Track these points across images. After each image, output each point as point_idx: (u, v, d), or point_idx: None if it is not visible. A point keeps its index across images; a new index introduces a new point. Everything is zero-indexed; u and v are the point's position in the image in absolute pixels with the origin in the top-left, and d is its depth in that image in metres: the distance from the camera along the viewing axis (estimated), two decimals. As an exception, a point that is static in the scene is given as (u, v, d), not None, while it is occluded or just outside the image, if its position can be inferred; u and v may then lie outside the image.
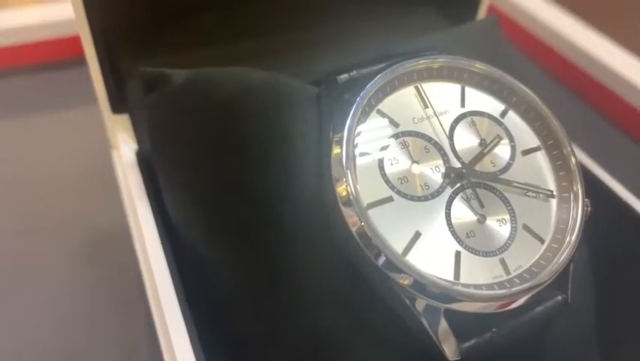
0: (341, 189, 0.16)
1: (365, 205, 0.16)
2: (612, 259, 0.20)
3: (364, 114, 0.17)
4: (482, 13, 0.29)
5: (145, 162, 0.23)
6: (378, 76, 0.17)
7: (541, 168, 0.18)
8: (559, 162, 0.18)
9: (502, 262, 0.16)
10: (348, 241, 0.16)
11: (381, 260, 0.16)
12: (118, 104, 0.23)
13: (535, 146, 0.18)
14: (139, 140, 0.23)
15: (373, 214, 0.16)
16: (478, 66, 0.18)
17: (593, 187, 0.22)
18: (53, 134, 0.32)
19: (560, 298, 0.17)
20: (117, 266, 0.27)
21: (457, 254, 0.16)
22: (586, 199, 0.18)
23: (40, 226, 0.28)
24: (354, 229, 0.16)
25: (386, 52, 0.19)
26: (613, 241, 0.21)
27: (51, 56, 0.37)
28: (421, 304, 0.16)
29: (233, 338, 0.19)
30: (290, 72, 0.20)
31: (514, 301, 0.16)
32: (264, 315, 0.18)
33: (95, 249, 0.28)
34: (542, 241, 0.17)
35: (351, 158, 0.16)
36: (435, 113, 0.18)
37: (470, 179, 0.17)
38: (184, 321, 0.17)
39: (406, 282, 0.15)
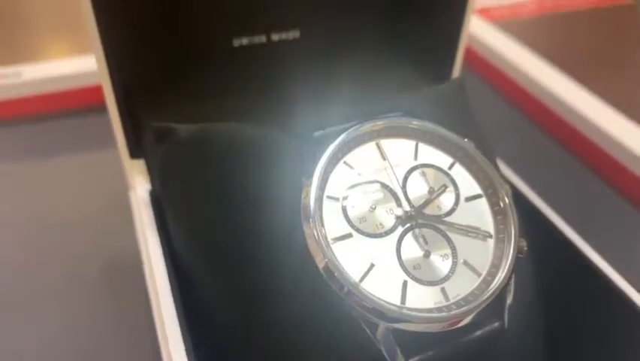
0: (308, 229, 0.19)
1: (330, 240, 0.19)
2: (554, 292, 0.23)
3: (332, 165, 0.21)
4: (457, 71, 0.33)
5: (156, 201, 0.27)
6: (345, 133, 0.21)
7: (483, 213, 0.21)
8: (497, 207, 0.21)
9: (443, 290, 0.20)
10: (316, 273, 0.20)
11: (341, 290, 0.19)
12: (135, 151, 0.28)
13: (477, 193, 0.22)
14: (152, 181, 0.27)
15: (336, 247, 0.19)
16: (430, 126, 0.22)
17: (545, 228, 0.26)
18: (78, 175, 0.37)
19: (497, 324, 0.20)
20: (131, 293, 0.30)
21: (405, 283, 0.19)
22: (522, 239, 0.21)
23: (63, 257, 0.32)
24: (320, 265, 0.19)
25: (357, 111, 0.23)
26: (557, 276, 0.24)
27: (78, 104, 0.42)
28: (373, 325, 0.19)
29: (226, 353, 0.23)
30: (278, 126, 0.24)
31: (453, 324, 0.19)
32: (243, 327, 0.21)
33: (112, 277, 0.31)
34: (479, 275, 0.20)
35: (319, 201, 0.20)
36: (391, 165, 0.21)
37: (418, 220, 0.20)
38: (183, 342, 0.21)
39: (360, 306, 0.19)
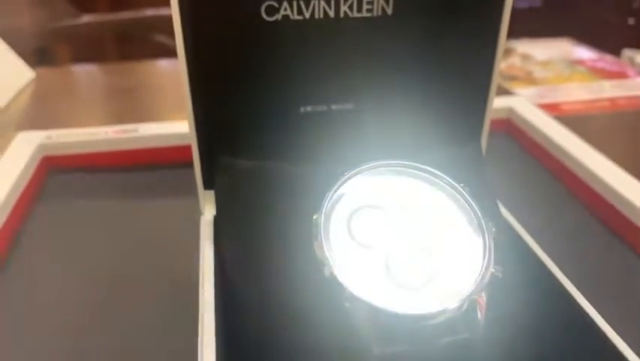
0: (317, 244, 0.25)
1: (331, 242, 0.25)
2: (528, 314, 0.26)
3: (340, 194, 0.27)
4: (484, 141, 0.38)
5: (217, 222, 0.33)
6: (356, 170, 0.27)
7: (464, 239, 0.26)
8: (477, 237, 0.26)
9: (420, 297, 0.24)
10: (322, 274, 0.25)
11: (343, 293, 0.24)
12: (208, 182, 0.35)
13: (461, 223, 0.26)
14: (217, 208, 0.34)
15: (336, 249, 0.25)
16: (421, 169, 0.27)
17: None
18: (166, 213, 0.46)
19: (467, 335, 0.24)
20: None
21: (387, 287, 0.24)
22: (497, 266, 0.25)
23: (142, 274, 0.39)
24: (326, 274, 0.24)
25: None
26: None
27: (180, 158, 0.51)
28: (358, 312, 0.23)
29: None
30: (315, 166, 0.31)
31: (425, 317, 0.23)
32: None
33: (180, 292, 0.38)
34: (455, 288, 0.24)
35: (327, 220, 0.25)
36: (392, 195, 0.27)
37: (407, 238, 0.25)
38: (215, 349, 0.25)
39: (351, 300, 0.24)
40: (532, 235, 0.32)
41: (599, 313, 0.27)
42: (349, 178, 0.27)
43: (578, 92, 0.71)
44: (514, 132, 0.57)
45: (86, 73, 0.83)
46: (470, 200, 0.27)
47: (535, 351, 0.27)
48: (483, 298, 0.24)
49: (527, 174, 0.52)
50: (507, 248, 0.29)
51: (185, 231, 0.38)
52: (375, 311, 0.23)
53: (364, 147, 0.36)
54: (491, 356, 0.25)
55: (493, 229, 0.26)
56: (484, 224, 0.26)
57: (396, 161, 0.28)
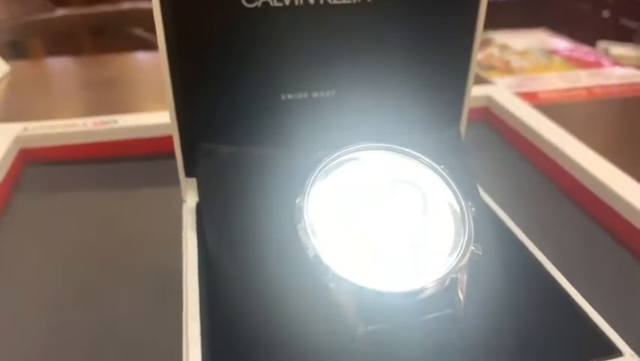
0: (300, 227, 0.25)
1: (314, 225, 0.25)
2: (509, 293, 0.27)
3: (325, 174, 0.27)
4: (463, 127, 0.38)
5: (199, 209, 0.33)
6: (340, 151, 0.27)
7: (447, 219, 0.26)
8: (458, 216, 0.26)
9: (401, 275, 0.24)
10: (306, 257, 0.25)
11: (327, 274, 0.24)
12: (189, 170, 0.35)
13: (443, 203, 0.27)
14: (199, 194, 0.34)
15: (319, 232, 0.25)
16: (406, 150, 0.28)
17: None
18: (147, 203, 0.45)
19: (448, 311, 0.24)
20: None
21: (370, 264, 0.24)
22: (477, 244, 0.25)
23: (124, 263, 0.39)
24: (310, 255, 0.25)
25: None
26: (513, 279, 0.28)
27: (153, 149, 0.51)
28: (347, 295, 0.24)
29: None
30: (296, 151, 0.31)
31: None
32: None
33: (163, 279, 0.38)
34: (437, 267, 0.25)
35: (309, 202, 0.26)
36: (375, 176, 0.27)
37: (389, 218, 0.26)
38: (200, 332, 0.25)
39: (335, 280, 0.24)
40: (511, 217, 0.32)
41: (575, 288, 0.28)
42: (330, 161, 0.27)
43: (555, 81, 0.73)
44: (492, 120, 0.58)
45: (61, 66, 0.82)
46: (450, 180, 0.27)
47: (515, 326, 0.27)
48: (464, 276, 0.25)
49: (505, 161, 0.53)
50: (487, 228, 0.30)
51: (167, 219, 0.38)
52: (358, 290, 0.23)
53: (345, 133, 0.36)
54: (472, 331, 0.26)
55: (473, 209, 0.26)
56: (463, 203, 0.26)
57: (376, 143, 0.28)
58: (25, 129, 0.50)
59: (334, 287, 0.24)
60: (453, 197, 0.27)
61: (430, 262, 0.25)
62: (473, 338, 0.26)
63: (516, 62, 0.79)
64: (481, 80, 0.69)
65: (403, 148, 0.28)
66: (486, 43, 0.85)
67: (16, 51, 1.10)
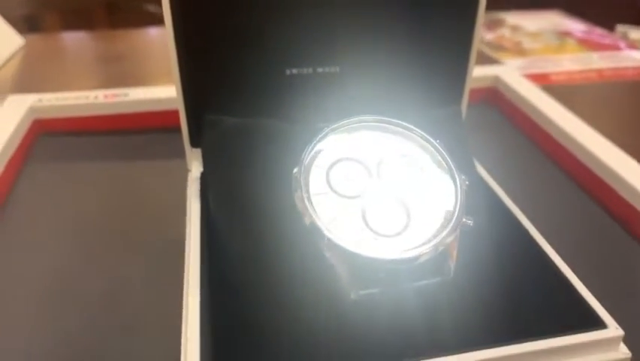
0: (298, 195, 0.26)
1: (311, 195, 0.26)
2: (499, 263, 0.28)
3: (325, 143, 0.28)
4: (464, 105, 0.39)
5: (204, 178, 0.34)
6: (340, 123, 0.28)
7: (439, 192, 0.27)
8: (450, 189, 0.27)
9: (393, 244, 0.25)
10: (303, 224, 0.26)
11: (322, 240, 0.25)
12: (195, 141, 0.36)
13: (437, 177, 0.27)
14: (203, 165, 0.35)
15: (315, 200, 0.26)
16: (401, 126, 0.28)
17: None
18: (155, 173, 0.47)
19: (439, 278, 0.25)
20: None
21: (362, 233, 0.25)
22: (469, 216, 0.26)
23: (131, 229, 0.40)
24: (307, 222, 0.26)
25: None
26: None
27: (162, 122, 0.52)
28: (340, 261, 0.25)
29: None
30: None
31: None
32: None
33: (168, 244, 0.38)
34: (426, 236, 0.25)
35: (308, 169, 0.26)
36: (372, 149, 0.28)
37: (382, 190, 0.26)
38: (199, 296, 0.27)
39: (328, 244, 0.25)
40: (512, 198, 0.33)
41: (566, 262, 0.28)
42: (328, 134, 0.28)
43: (566, 64, 0.72)
44: (498, 100, 0.58)
45: (75, 40, 0.83)
46: (444, 154, 0.28)
47: (504, 295, 0.28)
48: (455, 245, 0.26)
49: (509, 141, 0.53)
50: (480, 201, 0.31)
51: (173, 189, 0.39)
52: (352, 257, 0.24)
53: (348, 108, 0.36)
54: (462, 299, 0.27)
55: (466, 182, 0.27)
56: (456, 176, 0.27)
57: (372, 116, 0.29)
58: (40, 100, 0.52)
59: (329, 253, 0.25)
60: (447, 170, 0.27)
61: (423, 232, 0.26)
62: (463, 305, 0.27)
63: (527, 43, 0.79)
64: (490, 61, 0.69)
65: (400, 122, 0.29)
66: (498, 23, 0.85)
67: (31, 25, 1.11)
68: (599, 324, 0.25)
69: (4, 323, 0.32)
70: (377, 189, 0.26)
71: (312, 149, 0.27)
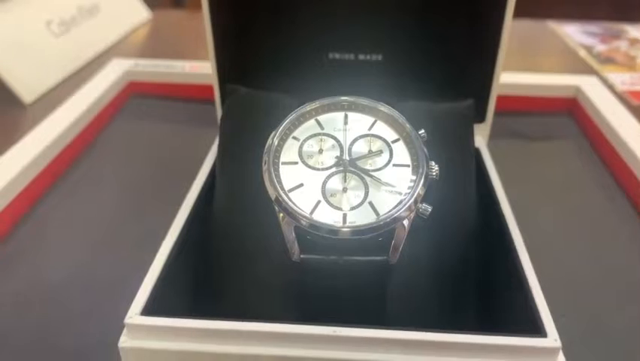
0: (266, 157, 0.28)
1: (280, 163, 0.28)
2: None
3: (305, 118, 0.29)
4: (492, 103, 0.38)
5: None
6: (322, 100, 0.30)
7: (403, 178, 0.27)
8: (414, 177, 0.27)
9: (344, 216, 0.26)
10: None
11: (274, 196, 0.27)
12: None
13: (405, 164, 0.28)
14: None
15: (283, 169, 0.28)
16: (386, 110, 0.29)
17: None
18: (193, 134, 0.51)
19: (383, 257, 0.26)
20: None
21: (318, 202, 0.27)
22: (424, 205, 0.26)
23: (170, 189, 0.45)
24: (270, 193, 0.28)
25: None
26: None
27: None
28: (288, 223, 0.26)
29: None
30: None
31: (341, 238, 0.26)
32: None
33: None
34: (378, 215, 0.26)
35: (284, 139, 0.29)
36: (348, 129, 0.29)
37: (349, 167, 0.28)
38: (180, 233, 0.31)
39: (283, 209, 0.27)
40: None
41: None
42: (311, 109, 0.30)
43: (680, 84, 0.65)
44: (577, 112, 0.55)
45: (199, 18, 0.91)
46: (421, 143, 0.28)
47: (452, 285, 0.28)
48: (404, 228, 0.26)
49: (580, 154, 0.50)
50: (461, 196, 0.30)
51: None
52: (300, 220, 0.26)
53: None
54: (405, 280, 0.27)
55: (434, 172, 0.27)
56: (425, 165, 0.27)
57: (366, 99, 0.30)
58: (136, 65, 0.59)
59: (282, 215, 0.27)
60: (417, 158, 0.28)
61: (376, 211, 0.26)
62: (406, 289, 0.27)
63: (643, 58, 0.72)
64: (586, 70, 0.65)
65: (388, 107, 0.29)
66: (616, 35, 0.78)
67: (177, 3, 1.25)
68: (540, 332, 0.24)
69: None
70: (343, 166, 0.28)
71: (291, 120, 0.29)
